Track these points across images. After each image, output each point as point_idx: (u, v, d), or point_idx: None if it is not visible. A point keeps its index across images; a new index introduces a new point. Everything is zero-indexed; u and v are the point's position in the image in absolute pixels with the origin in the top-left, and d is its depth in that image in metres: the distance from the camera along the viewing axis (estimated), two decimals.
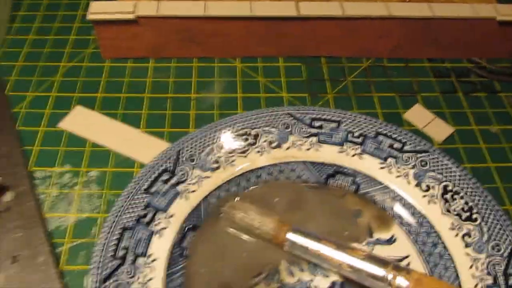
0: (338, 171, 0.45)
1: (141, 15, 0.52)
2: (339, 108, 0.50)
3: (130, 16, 0.51)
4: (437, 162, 0.44)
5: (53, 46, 0.59)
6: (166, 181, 0.43)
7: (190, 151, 0.44)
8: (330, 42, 0.55)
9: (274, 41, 0.55)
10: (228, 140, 0.45)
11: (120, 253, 0.38)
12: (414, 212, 0.43)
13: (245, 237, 0.41)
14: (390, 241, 0.42)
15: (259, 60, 0.57)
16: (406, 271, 0.37)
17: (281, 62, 0.56)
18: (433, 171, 0.44)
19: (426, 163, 0.44)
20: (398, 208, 0.43)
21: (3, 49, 0.58)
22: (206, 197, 0.43)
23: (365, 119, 0.47)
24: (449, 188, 0.43)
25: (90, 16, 0.51)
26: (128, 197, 0.41)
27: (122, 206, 0.40)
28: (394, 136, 0.46)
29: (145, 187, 0.42)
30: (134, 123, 0.50)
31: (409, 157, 0.45)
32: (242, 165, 0.45)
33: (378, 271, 0.37)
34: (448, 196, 0.42)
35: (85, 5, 0.63)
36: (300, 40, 0.55)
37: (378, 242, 0.42)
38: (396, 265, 0.37)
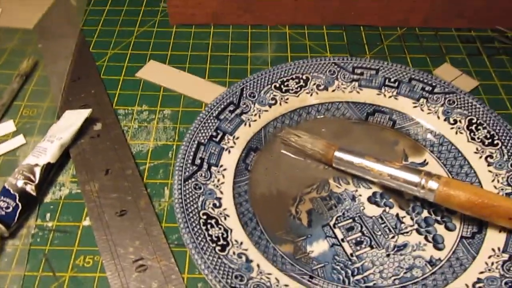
0: (376, 109, 0.53)
1: None
2: None
3: None
4: (463, 100, 0.51)
5: (127, 14, 0.68)
6: (232, 111, 0.51)
7: (251, 89, 0.52)
8: (368, 13, 0.63)
9: (319, 11, 0.63)
10: (283, 81, 0.53)
11: (197, 161, 0.46)
12: (443, 141, 0.50)
13: (298, 158, 0.49)
14: (423, 164, 0.49)
15: (306, 27, 0.65)
16: (436, 176, 0.44)
17: (325, 29, 0.65)
18: (460, 108, 0.51)
19: (454, 102, 0.51)
20: (429, 138, 0.50)
21: (85, 17, 0.67)
22: (265, 126, 0.51)
23: (400, 67, 0.54)
24: (474, 121, 0.50)
25: None
26: (202, 120, 0.49)
27: (197, 127, 0.48)
28: (426, 80, 0.53)
29: (215, 114, 0.50)
30: (200, 74, 0.58)
31: (438, 97, 0.52)
32: (294, 103, 0.52)
33: (413, 177, 0.44)
34: (472, 127, 0.49)
35: None
36: (342, 10, 0.63)
37: (412, 165, 0.49)
38: (428, 172, 0.44)
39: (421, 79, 0.53)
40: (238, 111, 0.51)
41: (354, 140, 0.51)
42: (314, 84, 0.54)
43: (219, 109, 0.50)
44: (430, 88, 0.52)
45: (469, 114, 0.50)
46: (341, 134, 0.51)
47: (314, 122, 0.53)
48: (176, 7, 0.63)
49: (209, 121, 0.49)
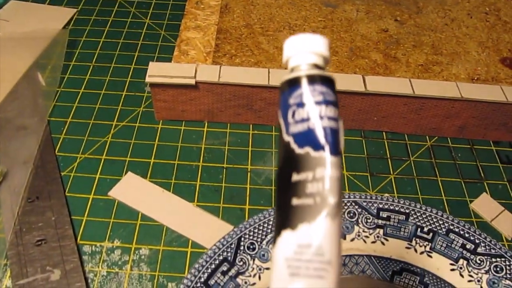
0: (405, 268, 0.42)
1: (202, 80, 0.49)
2: (402, 192, 0.48)
3: (192, 82, 0.49)
4: None
5: (104, 101, 0.56)
6: (225, 272, 0.40)
7: (251, 239, 0.41)
8: (393, 118, 0.53)
9: None
10: None
11: None
12: None
13: None
14: None
15: None
16: None
17: None
18: (510, 279, 0.41)
19: (502, 269, 0.41)
20: None
21: (53, 102, 0.55)
22: None
23: (436, 213, 0.44)
24: None
25: (148, 79, 0.49)
26: None
27: None
28: (467, 235, 0.42)
29: (203, 279, 0.39)
30: (188, 194, 0.48)
31: (482, 261, 0.42)
32: None
33: None
34: None
35: (137, 58, 0.61)
36: (363, 113, 0.52)
37: None
38: None
39: (462, 232, 0.43)
40: (233, 271, 0.40)
41: None
42: None
43: (209, 270, 0.39)
44: (473, 247, 0.42)
45: None
46: None
47: None
48: (164, 102, 0.51)
49: None
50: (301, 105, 0.22)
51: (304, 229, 0.21)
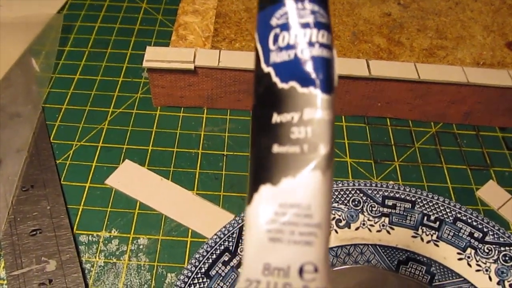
0: (411, 257, 0.41)
1: (201, 65, 0.47)
2: (407, 180, 0.46)
3: (190, 66, 0.47)
4: None
5: (101, 87, 0.55)
6: (226, 262, 0.38)
7: None
8: (398, 104, 0.51)
9: (339, 98, 0.51)
10: None
11: None
12: None
13: None
14: None
15: None
16: None
17: (345, 121, 0.52)
18: None
19: (511, 259, 0.40)
20: None
21: (48, 89, 0.54)
22: None
23: (442, 201, 0.42)
24: None
25: (146, 64, 0.47)
26: (186, 281, 0.36)
27: None
28: (475, 224, 0.41)
29: (204, 269, 0.37)
30: (187, 183, 0.46)
31: (490, 250, 0.41)
32: None
33: None
34: None
35: (134, 44, 0.59)
36: (367, 99, 0.51)
37: None
38: None
39: (469, 220, 0.41)
40: (234, 261, 0.39)
41: None
42: (333, 218, 0.42)
43: (210, 260, 0.38)
44: (481, 235, 0.41)
45: None
46: None
47: (335, 273, 0.40)
48: (162, 87, 0.50)
49: (195, 280, 0.36)
50: (286, 27, 0.18)
51: (288, 184, 0.17)
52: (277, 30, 0.18)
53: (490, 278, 0.40)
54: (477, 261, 0.41)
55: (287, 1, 0.17)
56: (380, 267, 0.41)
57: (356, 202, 0.43)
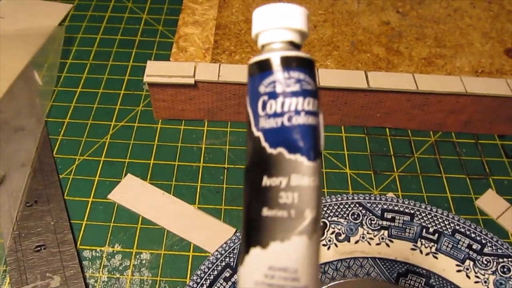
0: (410, 270, 0.42)
1: (201, 79, 0.48)
2: (407, 190, 0.47)
3: (191, 81, 0.48)
4: None
5: (102, 101, 0.56)
6: (227, 279, 0.39)
7: None
8: (397, 114, 0.52)
9: (338, 109, 0.51)
10: None
11: None
12: None
13: None
14: None
15: None
16: None
17: (344, 132, 0.53)
18: None
19: (509, 270, 0.40)
20: None
21: (50, 102, 0.54)
22: None
23: (441, 213, 0.43)
24: None
25: (146, 79, 0.48)
26: None
27: None
28: (473, 235, 0.42)
29: (205, 286, 0.38)
30: (188, 196, 0.47)
31: (489, 261, 0.41)
32: None
33: None
34: None
35: (135, 55, 0.60)
36: (366, 109, 0.51)
37: None
38: None
39: (468, 232, 0.42)
40: (235, 277, 0.39)
41: None
42: (333, 232, 0.42)
43: (212, 277, 0.38)
44: (479, 247, 0.41)
45: None
46: None
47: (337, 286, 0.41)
48: (163, 101, 0.50)
49: None
50: (273, 95, 0.19)
51: (276, 248, 0.18)
52: (265, 98, 0.19)
53: None
54: (475, 272, 0.41)
55: (275, 70, 0.18)
56: (380, 279, 0.42)
57: (356, 216, 0.43)
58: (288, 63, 0.19)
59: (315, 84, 0.19)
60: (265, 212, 0.18)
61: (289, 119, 0.18)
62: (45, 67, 0.57)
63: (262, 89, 0.19)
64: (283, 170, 0.18)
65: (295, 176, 0.18)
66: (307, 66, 0.19)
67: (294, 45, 0.20)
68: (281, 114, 0.18)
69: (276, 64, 0.19)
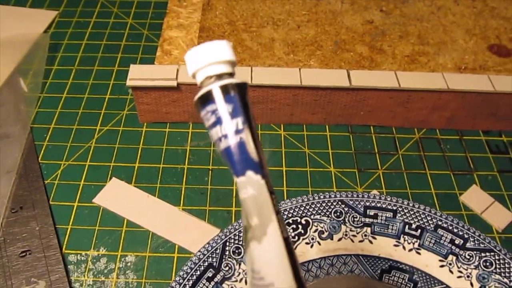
0: (393, 266, 0.42)
1: (184, 82, 0.48)
2: (391, 187, 0.47)
3: (173, 84, 0.48)
4: (504, 264, 0.40)
5: (88, 106, 0.56)
6: (210, 279, 0.39)
7: (236, 243, 0.41)
8: (380, 111, 0.52)
9: (322, 108, 0.52)
10: None
11: None
12: None
13: None
14: None
15: (305, 128, 0.53)
16: None
17: (328, 131, 0.53)
18: (499, 273, 0.40)
19: (491, 264, 0.41)
20: None
21: (36, 109, 0.54)
22: None
23: (423, 209, 0.43)
24: None
25: (129, 83, 0.48)
26: None
27: None
28: (456, 230, 0.42)
29: (188, 286, 0.38)
30: (173, 198, 0.47)
31: (471, 256, 0.41)
32: None
33: None
34: None
35: (120, 60, 0.60)
36: (349, 108, 0.52)
37: None
38: None
39: (450, 227, 0.42)
40: (218, 277, 0.39)
41: None
42: (316, 230, 0.42)
43: (194, 277, 0.39)
44: (462, 242, 0.41)
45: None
46: None
47: (321, 284, 0.41)
48: (147, 104, 0.51)
49: None
50: (212, 126, 0.21)
51: (248, 253, 0.21)
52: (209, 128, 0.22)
53: (471, 284, 0.40)
54: (458, 267, 0.41)
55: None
56: (364, 276, 0.42)
57: (338, 213, 0.43)
58: (203, 101, 0.21)
59: (242, 102, 0.21)
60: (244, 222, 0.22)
61: (220, 146, 0.21)
62: (30, 74, 0.57)
63: (205, 121, 0.21)
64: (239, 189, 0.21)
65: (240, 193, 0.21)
66: (233, 91, 0.21)
67: (227, 75, 0.22)
68: (218, 143, 0.21)
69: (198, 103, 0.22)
